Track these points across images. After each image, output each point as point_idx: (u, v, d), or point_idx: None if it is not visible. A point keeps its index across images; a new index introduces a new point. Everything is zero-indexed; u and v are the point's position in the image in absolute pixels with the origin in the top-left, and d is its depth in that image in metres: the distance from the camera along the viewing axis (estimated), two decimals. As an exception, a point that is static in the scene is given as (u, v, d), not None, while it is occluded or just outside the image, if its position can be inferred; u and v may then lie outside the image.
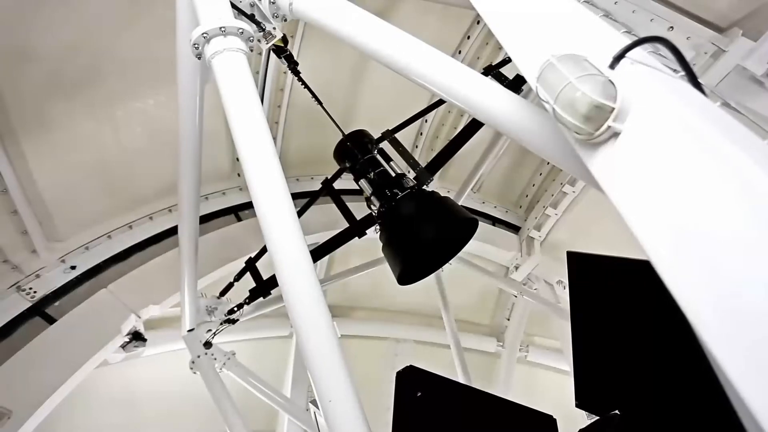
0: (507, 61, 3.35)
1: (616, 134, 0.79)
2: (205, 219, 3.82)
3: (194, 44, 1.66)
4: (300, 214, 3.10)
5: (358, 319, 5.03)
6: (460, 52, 4.16)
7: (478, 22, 4.01)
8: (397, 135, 2.75)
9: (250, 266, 3.10)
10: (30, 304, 2.93)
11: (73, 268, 3.20)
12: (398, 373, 2.17)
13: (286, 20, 1.98)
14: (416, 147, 4.77)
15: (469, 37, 4.11)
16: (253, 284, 3.06)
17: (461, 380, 3.97)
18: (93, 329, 2.99)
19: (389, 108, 3.65)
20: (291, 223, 1.42)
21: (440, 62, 1.44)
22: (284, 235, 1.40)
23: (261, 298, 3.07)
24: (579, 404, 1.88)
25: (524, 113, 1.21)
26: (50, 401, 2.60)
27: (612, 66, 0.84)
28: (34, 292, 2.98)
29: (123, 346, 3.23)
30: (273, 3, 1.91)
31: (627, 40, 0.91)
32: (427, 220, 2.30)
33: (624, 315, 1.83)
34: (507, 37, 1.18)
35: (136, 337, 3.30)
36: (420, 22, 3.91)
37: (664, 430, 1.65)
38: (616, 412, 1.75)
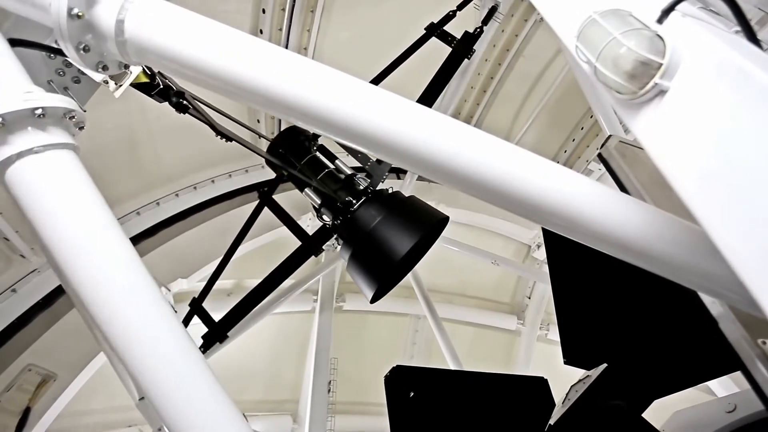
0: (451, 16, 2.96)
1: (662, 92, 0.74)
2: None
3: None
4: (254, 219, 2.64)
5: (379, 295, 5.09)
6: (483, 24, 4.00)
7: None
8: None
9: (196, 308, 2.53)
10: (68, 276, 3.08)
11: (105, 243, 3.33)
12: (386, 377, 2.14)
13: (128, 67, 1.37)
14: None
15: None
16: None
17: (447, 356, 4.08)
18: (127, 301, 3.12)
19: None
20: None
21: (421, 116, 0.97)
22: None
23: (218, 343, 2.55)
24: (567, 361, 1.89)
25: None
26: (91, 366, 2.76)
27: (660, 20, 0.79)
28: (71, 264, 3.13)
29: (154, 318, 3.38)
30: (87, 51, 1.12)
31: (674, -6, 0.85)
32: (397, 234, 1.99)
33: (599, 273, 1.82)
34: (542, -3, 1.12)
35: (167, 309, 3.43)
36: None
37: (648, 376, 1.68)
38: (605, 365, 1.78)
